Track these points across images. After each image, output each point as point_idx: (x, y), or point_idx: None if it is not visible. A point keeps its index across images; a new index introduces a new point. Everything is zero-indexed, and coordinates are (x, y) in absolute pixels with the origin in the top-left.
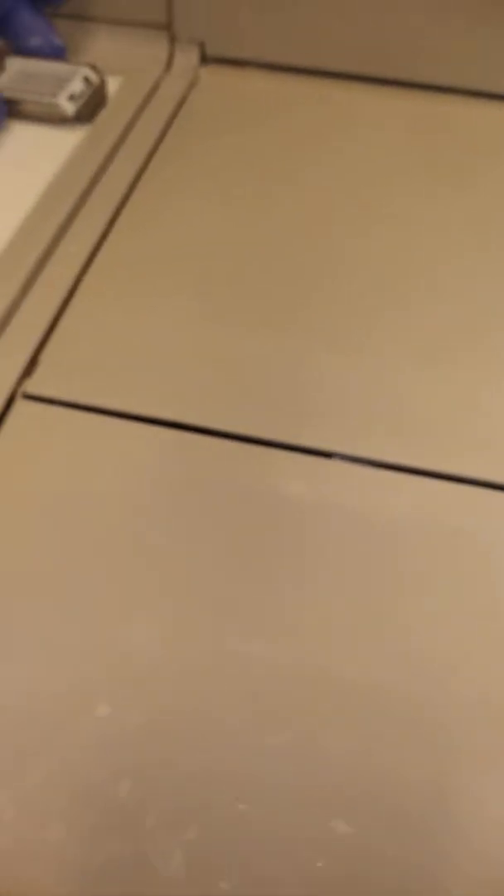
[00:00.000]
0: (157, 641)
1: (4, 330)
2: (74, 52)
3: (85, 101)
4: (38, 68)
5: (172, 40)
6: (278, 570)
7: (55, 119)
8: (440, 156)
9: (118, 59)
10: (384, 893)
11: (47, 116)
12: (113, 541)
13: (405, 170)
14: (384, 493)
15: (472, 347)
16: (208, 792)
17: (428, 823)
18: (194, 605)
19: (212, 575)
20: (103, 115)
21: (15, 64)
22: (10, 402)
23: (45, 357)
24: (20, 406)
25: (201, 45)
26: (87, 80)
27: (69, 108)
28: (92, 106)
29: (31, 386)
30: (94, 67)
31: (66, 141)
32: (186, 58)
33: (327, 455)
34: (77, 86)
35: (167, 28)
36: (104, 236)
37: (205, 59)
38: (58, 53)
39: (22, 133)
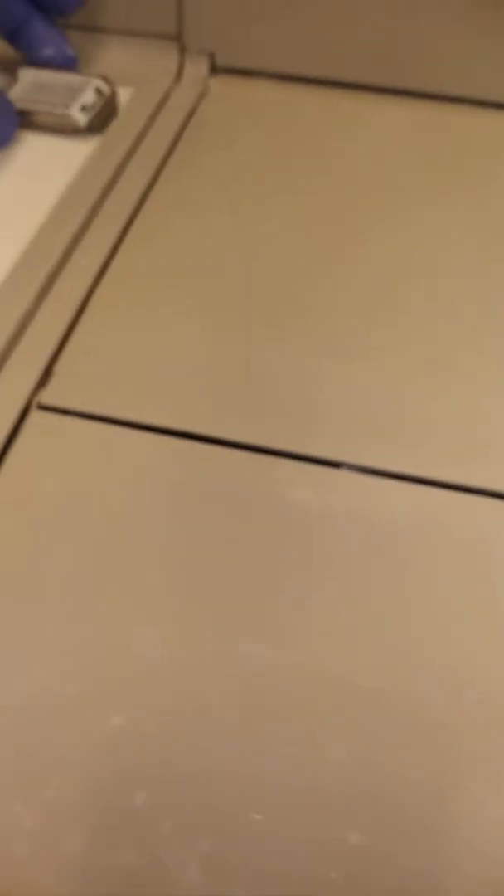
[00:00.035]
0: (169, 650)
1: (19, 341)
2: (85, 62)
3: (97, 112)
4: (51, 79)
5: (182, 51)
6: (287, 578)
7: (67, 130)
8: (449, 164)
9: (129, 69)
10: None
11: (59, 127)
12: (124, 548)
13: (415, 179)
14: (387, 500)
15: (478, 354)
16: (223, 801)
17: (432, 826)
18: (207, 613)
19: (224, 582)
20: (114, 126)
21: (27, 75)
22: (25, 412)
23: (59, 368)
24: (35, 416)
25: (211, 56)
26: (98, 91)
27: (81, 119)
28: (103, 117)
29: (46, 397)
30: (105, 78)
31: (77, 152)
32: (196, 68)
33: (335, 465)
34: (89, 97)
35: (177, 39)
36: (116, 247)
37: (214, 70)
38: (70, 64)
39: (34, 143)
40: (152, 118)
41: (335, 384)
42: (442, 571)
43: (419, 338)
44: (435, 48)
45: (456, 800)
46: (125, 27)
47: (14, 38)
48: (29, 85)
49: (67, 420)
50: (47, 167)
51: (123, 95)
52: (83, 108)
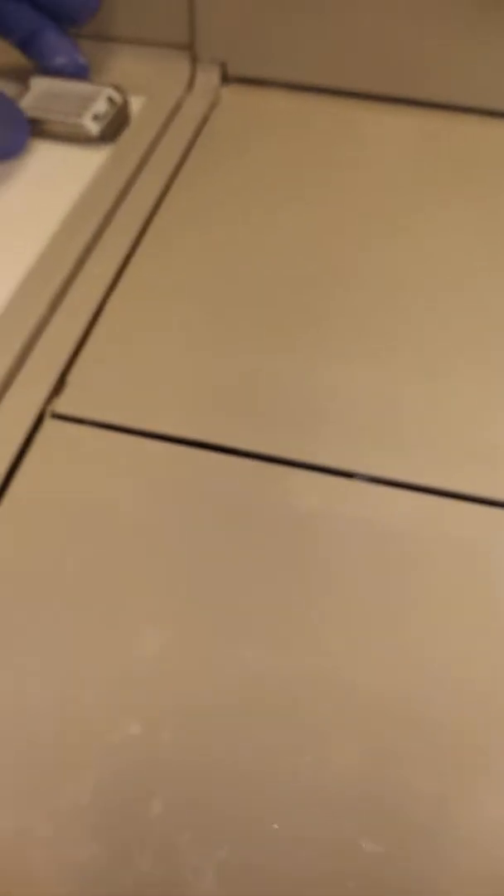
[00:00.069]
0: (184, 658)
1: (33, 350)
2: (97, 71)
3: (109, 121)
4: (63, 88)
5: (194, 60)
6: (298, 585)
7: (80, 139)
8: (458, 173)
9: (141, 78)
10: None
11: (72, 136)
12: (136, 555)
13: (424, 188)
14: (396, 509)
15: (490, 363)
16: (240, 810)
17: (434, 828)
18: (220, 621)
19: (238, 590)
20: (127, 135)
21: (39, 84)
22: (39, 420)
23: (72, 377)
24: (49, 425)
25: (222, 65)
26: (110, 100)
27: (94, 128)
28: (116, 126)
29: (60, 405)
30: (117, 87)
31: (90, 161)
32: (208, 77)
33: (346, 475)
34: (101, 106)
35: (189, 48)
36: (128, 256)
37: (226, 79)
38: (82, 72)
39: (46, 153)
40: (164, 127)
41: (346, 393)
42: (447, 580)
43: (429, 347)
44: (444, 58)
45: (458, 801)
46: (137, 36)
47: (26, 46)
48: (41, 94)
49: (81, 429)
50: (60, 176)
51: (135, 104)
52: (95, 117)
